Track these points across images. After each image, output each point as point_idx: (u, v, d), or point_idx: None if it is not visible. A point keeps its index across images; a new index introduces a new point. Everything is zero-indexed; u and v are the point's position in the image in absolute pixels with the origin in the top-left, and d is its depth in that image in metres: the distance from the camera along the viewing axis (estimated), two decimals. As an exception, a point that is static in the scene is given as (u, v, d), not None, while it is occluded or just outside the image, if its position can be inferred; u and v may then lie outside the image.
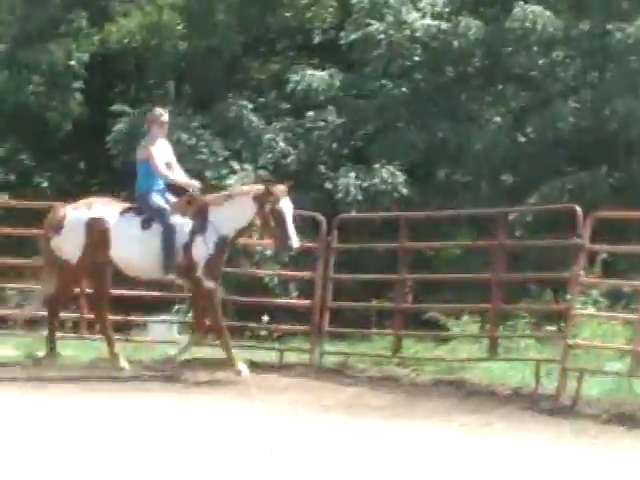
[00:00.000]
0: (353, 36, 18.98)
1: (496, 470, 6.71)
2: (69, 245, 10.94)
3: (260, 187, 10.97)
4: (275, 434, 7.82)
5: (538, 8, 17.75)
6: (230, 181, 18.47)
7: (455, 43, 18.50)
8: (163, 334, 13.64)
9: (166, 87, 22.44)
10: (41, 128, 20.66)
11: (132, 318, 13.63)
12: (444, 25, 18.65)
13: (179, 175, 11.21)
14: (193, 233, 10.68)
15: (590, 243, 10.06)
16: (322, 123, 19.63)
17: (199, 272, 10.68)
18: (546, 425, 8.81)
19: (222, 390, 10.22)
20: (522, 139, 19.26)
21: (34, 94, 20.57)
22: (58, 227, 11.04)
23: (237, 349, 11.23)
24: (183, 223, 10.74)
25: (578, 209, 10.25)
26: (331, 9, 21.36)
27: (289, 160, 19.42)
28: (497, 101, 19.42)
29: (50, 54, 20.43)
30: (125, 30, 20.86)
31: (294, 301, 14.47)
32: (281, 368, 11.68)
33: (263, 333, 13.81)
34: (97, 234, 10.77)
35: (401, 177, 18.20)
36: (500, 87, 19.72)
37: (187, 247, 10.68)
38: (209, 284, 10.71)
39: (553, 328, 11.30)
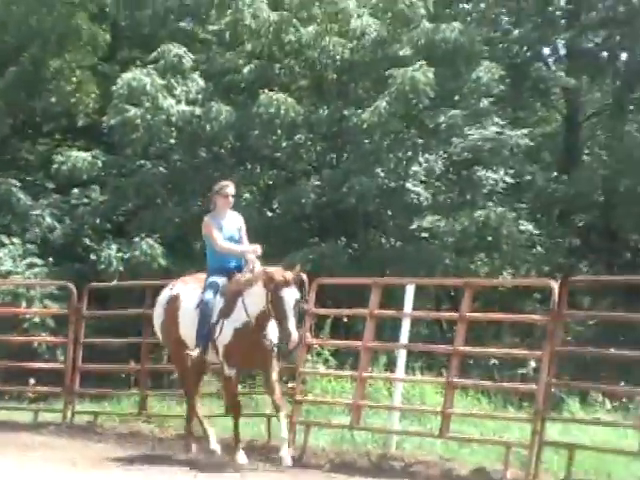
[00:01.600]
0: (113, 120, 19.71)
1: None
2: (157, 324, 10.73)
3: (267, 271, 9.45)
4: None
5: (282, 95, 19.06)
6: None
7: (208, 127, 19.57)
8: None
9: None
10: None
11: None
12: (198, 110, 19.70)
13: (239, 245, 10.18)
14: (220, 316, 9.73)
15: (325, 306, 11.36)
16: (86, 200, 20.45)
17: (221, 356, 9.81)
18: (273, 476, 9.31)
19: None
20: (270, 214, 20.65)
21: None
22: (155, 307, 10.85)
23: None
24: (218, 304, 9.81)
25: (305, 277, 10.49)
26: (93, 95, 22.49)
27: (55, 234, 20.12)
28: (247, 179, 20.53)
29: None
30: None
31: (43, 365, 14.75)
32: (36, 427, 12.21)
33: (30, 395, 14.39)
34: (171, 312, 10.32)
35: (159, 249, 19.10)
36: (250, 167, 21.01)
37: (212, 329, 9.76)
38: (229, 370, 9.81)
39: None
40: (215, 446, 9.97)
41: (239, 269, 10.01)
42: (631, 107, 25.26)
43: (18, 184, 20.79)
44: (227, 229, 10.16)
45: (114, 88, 19.86)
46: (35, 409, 13.07)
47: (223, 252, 10.04)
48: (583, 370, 14.67)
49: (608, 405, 12.64)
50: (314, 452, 10.21)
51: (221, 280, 9.95)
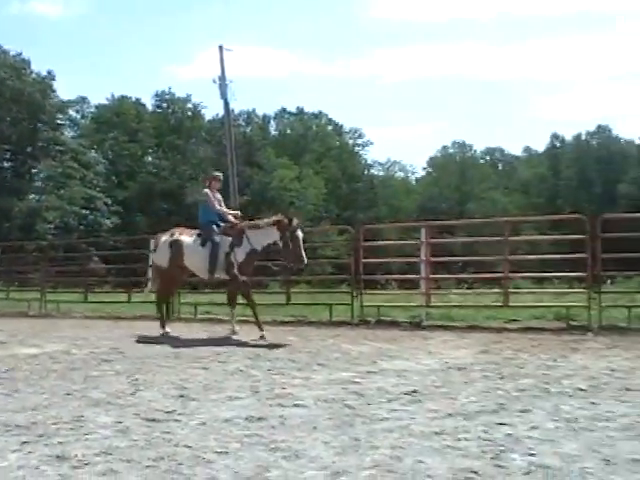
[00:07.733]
0: None
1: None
2: (161, 257, 15.80)
3: (281, 219, 14.46)
4: None
5: None
6: None
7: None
8: None
9: None
10: None
11: None
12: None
13: (224, 210, 15.45)
14: (232, 246, 14.75)
15: None
16: None
17: (235, 270, 14.75)
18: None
19: None
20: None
21: None
22: (156, 247, 16.08)
23: None
24: (226, 240, 14.80)
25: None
26: None
27: None
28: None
29: None
30: None
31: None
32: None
33: None
34: (176, 250, 15.42)
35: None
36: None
37: (227, 255, 14.76)
38: (242, 277, 14.73)
39: None
40: (168, 329, 15.73)
41: (219, 224, 15.17)
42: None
43: None
44: (217, 200, 15.53)
45: None
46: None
47: (217, 212, 15.34)
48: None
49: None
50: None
51: (214, 228, 15.08)
